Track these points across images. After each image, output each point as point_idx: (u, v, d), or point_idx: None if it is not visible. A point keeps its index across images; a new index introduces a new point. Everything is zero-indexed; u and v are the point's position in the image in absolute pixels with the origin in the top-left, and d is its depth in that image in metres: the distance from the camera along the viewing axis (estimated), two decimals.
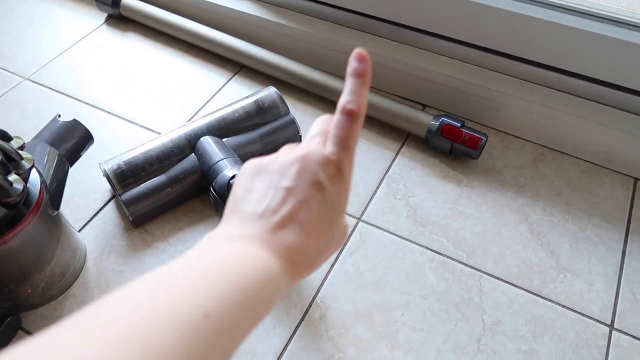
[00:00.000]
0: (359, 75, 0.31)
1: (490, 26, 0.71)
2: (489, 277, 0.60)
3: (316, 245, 0.30)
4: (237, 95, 0.74)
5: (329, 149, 0.30)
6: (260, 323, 0.26)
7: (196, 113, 0.78)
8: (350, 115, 0.30)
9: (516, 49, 0.72)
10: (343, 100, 0.31)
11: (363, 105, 0.31)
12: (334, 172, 0.30)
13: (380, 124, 0.75)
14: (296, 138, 0.71)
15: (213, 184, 0.61)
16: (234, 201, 0.31)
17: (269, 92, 0.71)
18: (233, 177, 0.60)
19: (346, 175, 0.31)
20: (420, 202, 0.67)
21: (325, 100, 0.79)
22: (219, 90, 0.82)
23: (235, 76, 0.84)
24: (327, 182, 0.30)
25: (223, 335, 0.22)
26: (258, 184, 0.31)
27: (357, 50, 0.31)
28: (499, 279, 0.60)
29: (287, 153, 0.31)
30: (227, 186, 0.59)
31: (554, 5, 0.69)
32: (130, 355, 0.19)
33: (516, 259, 0.61)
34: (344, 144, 0.30)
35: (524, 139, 0.75)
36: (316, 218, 0.29)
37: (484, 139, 0.69)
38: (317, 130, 0.32)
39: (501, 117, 0.76)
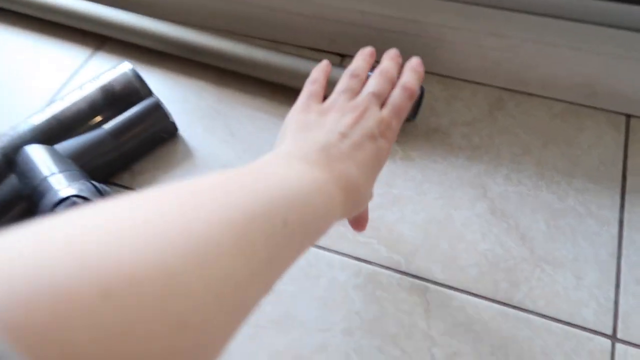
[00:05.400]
0: (420, 69, 0.39)
1: None
2: (437, 287, 0.43)
3: (365, 186, 0.31)
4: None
5: (385, 112, 0.34)
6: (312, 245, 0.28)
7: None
8: (408, 92, 0.35)
9: None
10: (405, 78, 0.36)
11: (417, 86, 0.37)
12: (385, 130, 0.33)
13: (279, 90, 0.57)
14: (166, 126, 0.53)
15: (39, 210, 0.43)
16: (288, 135, 0.33)
17: (121, 70, 0.52)
18: (67, 198, 0.42)
19: (392, 139, 0.34)
20: None
21: (213, 68, 0.60)
22: (74, 74, 0.62)
23: (98, 53, 0.64)
24: (381, 140, 0.33)
25: (292, 246, 0.23)
26: (312, 132, 0.32)
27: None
28: (451, 287, 0.43)
29: (334, 107, 0.34)
30: (54, 207, 0.42)
31: None
32: (227, 243, 0.19)
33: (474, 255, 0.44)
34: (399, 112, 0.35)
35: (476, 83, 0.57)
36: (368, 161, 0.32)
37: (418, 92, 0.50)
38: (342, 87, 0.36)
39: (442, 58, 0.57)
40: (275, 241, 0.21)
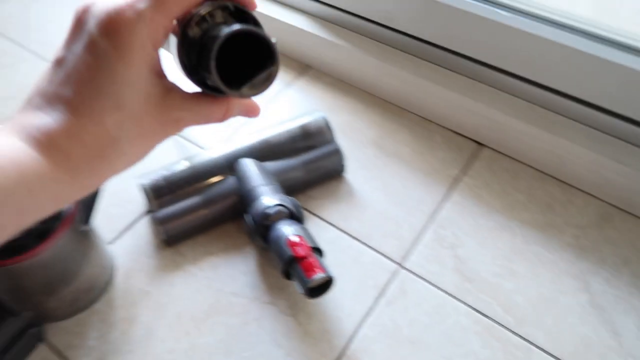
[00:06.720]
0: None
1: (559, 64, 0.65)
2: (540, 351, 0.54)
3: (99, 127, 0.24)
4: (293, 104, 0.70)
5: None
6: (31, 220, 0.24)
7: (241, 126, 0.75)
8: None
9: (589, 93, 0.66)
10: None
11: None
12: (108, 22, 0.23)
13: (426, 161, 0.70)
14: (340, 167, 0.67)
15: (250, 210, 0.58)
16: None
17: (316, 117, 0.67)
18: (270, 207, 0.56)
19: (137, 34, 0.23)
20: (469, 255, 0.62)
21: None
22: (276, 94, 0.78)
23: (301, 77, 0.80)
24: (104, 42, 0.23)
25: None
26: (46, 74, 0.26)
27: None
28: (551, 355, 0.54)
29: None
30: (263, 216, 0.56)
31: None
32: None
33: (573, 334, 0.55)
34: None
35: (589, 194, 0.69)
36: (89, 92, 0.23)
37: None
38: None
39: (565, 167, 0.69)
40: None
